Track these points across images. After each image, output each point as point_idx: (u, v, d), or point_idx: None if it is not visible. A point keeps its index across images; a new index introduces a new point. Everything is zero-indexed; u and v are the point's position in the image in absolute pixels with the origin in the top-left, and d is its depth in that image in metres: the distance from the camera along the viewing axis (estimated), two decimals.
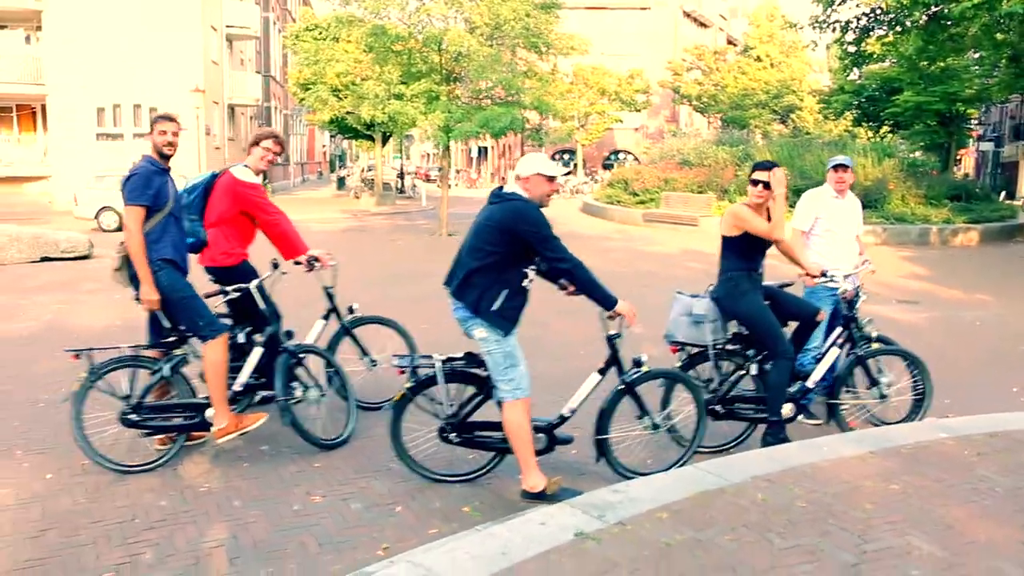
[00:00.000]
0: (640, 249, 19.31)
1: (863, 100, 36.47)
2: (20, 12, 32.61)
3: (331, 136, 69.28)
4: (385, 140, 39.21)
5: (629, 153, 54.59)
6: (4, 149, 34.17)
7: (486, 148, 69.18)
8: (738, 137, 32.16)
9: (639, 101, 47.64)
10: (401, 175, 48.18)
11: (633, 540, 4.00)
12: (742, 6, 66.14)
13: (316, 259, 6.24)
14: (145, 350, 5.60)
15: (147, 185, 5.39)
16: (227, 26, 37.38)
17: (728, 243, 5.89)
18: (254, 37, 41.25)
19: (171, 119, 5.62)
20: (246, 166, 6.20)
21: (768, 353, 5.80)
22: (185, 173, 26.67)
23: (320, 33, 33.49)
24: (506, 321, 4.80)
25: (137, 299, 5.53)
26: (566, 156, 57.81)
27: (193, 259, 5.90)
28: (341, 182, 47.16)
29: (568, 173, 47.09)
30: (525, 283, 4.85)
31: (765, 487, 4.72)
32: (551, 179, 4.82)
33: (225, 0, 37.37)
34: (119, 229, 23.38)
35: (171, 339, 5.61)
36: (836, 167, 6.81)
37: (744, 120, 47.33)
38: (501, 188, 4.97)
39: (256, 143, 6.22)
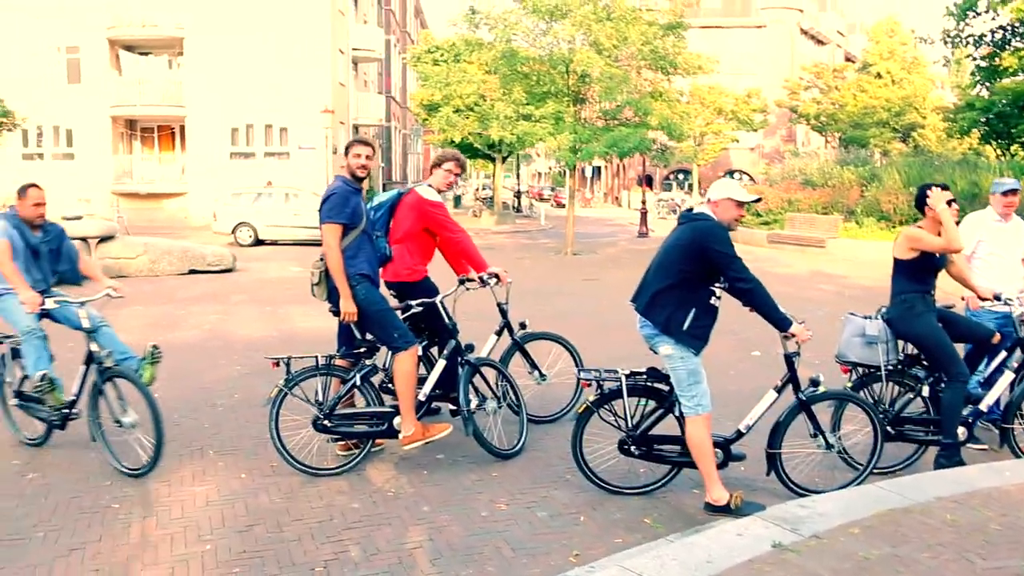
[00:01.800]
0: (768, 271, 19.12)
1: (992, 117, 35.20)
2: (164, 39, 34.56)
3: None
4: (504, 160, 39.79)
5: (745, 173, 53.91)
6: (146, 168, 36.16)
7: (600, 168, 69.31)
8: (864, 157, 31.49)
9: (756, 120, 47.10)
10: (518, 194, 48.79)
11: (831, 553, 4.13)
12: (861, 22, 64.71)
13: (496, 276, 6.53)
14: (337, 360, 5.94)
15: (345, 204, 5.75)
16: (353, 49, 38.68)
17: (901, 265, 5.94)
18: (378, 59, 42.50)
19: (366, 143, 5.99)
20: (430, 185, 6.55)
21: (943, 375, 5.83)
22: (316, 190, 27.69)
23: (441, 55, 34.42)
24: (696, 340, 4.98)
25: (333, 312, 5.89)
26: (681, 176, 57.48)
27: None
28: (457, 200, 48.04)
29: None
30: (713, 301, 5.03)
31: (953, 508, 4.76)
32: (740, 204, 5.01)
33: (352, 24, 38.72)
34: (255, 244, 24.46)
35: (361, 350, 5.95)
36: (1006, 192, 6.74)
37: (864, 139, 46.21)
38: (691, 209, 5.17)
39: (438, 165, 6.58)
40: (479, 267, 6.50)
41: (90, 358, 6.03)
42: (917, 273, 5.89)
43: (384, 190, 40.49)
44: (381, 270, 6.35)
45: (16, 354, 6.48)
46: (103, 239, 17.23)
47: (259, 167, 33.80)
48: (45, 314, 6.18)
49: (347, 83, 38.19)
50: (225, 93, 33.78)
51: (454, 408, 6.29)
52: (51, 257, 6.52)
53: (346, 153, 5.91)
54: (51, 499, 5.44)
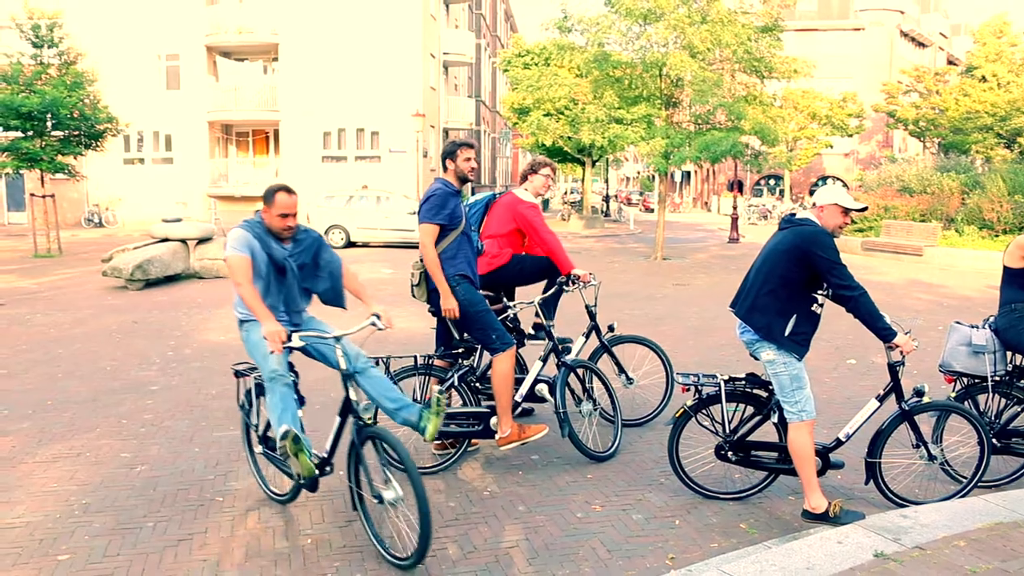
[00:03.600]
0: (863, 278, 18.56)
1: None
2: (260, 45, 35.50)
3: None
4: (593, 164, 39.76)
5: (838, 179, 52.78)
6: (242, 170, 37.10)
7: (689, 173, 68.70)
8: (965, 164, 30.54)
9: (851, 126, 46.10)
10: (607, 199, 48.67)
11: (936, 565, 4.06)
12: (966, 23, 62.76)
13: (578, 278, 6.58)
14: (436, 360, 6.02)
15: (443, 206, 5.85)
16: (444, 53, 39.12)
17: (1012, 274, 5.79)
18: (468, 63, 42.89)
19: (472, 146, 6.09)
20: (526, 189, 6.65)
21: None
22: (406, 193, 28.04)
23: (532, 59, 34.58)
24: (798, 346, 4.94)
25: (432, 312, 6.01)
26: (772, 182, 56.56)
27: None
28: (545, 204, 48.16)
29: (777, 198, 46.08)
30: (815, 308, 4.98)
31: None
32: (846, 211, 4.95)
33: (443, 29, 39.18)
34: (347, 245, 24.93)
35: (459, 350, 6.05)
36: None
37: (965, 144, 44.78)
38: (794, 215, 5.13)
39: (534, 171, 6.67)
40: (565, 268, 6.55)
41: (347, 408, 4.87)
42: None
43: (472, 194, 40.93)
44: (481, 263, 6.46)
45: (262, 390, 5.25)
46: (201, 241, 17.83)
47: (350, 170, 34.51)
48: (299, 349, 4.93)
49: (437, 87, 38.64)
50: (318, 97, 34.57)
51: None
52: (304, 274, 5.18)
53: (453, 157, 5.94)
54: (159, 491, 5.66)
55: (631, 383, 6.97)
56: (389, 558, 4.57)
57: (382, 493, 4.55)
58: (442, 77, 39.96)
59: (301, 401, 5.09)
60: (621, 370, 6.97)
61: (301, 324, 5.18)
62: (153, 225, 18.03)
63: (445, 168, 5.99)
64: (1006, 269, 5.84)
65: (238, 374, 5.53)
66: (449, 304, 5.77)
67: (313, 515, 5.27)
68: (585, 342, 6.88)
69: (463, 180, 5.98)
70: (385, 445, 4.66)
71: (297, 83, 34.76)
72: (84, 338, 10.90)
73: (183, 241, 17.34)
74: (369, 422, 4.66)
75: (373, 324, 4.97)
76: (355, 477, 4.77)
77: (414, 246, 6.08)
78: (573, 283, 6.57)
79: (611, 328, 6.98)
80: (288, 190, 5.06)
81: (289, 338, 4.67)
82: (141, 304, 13.88)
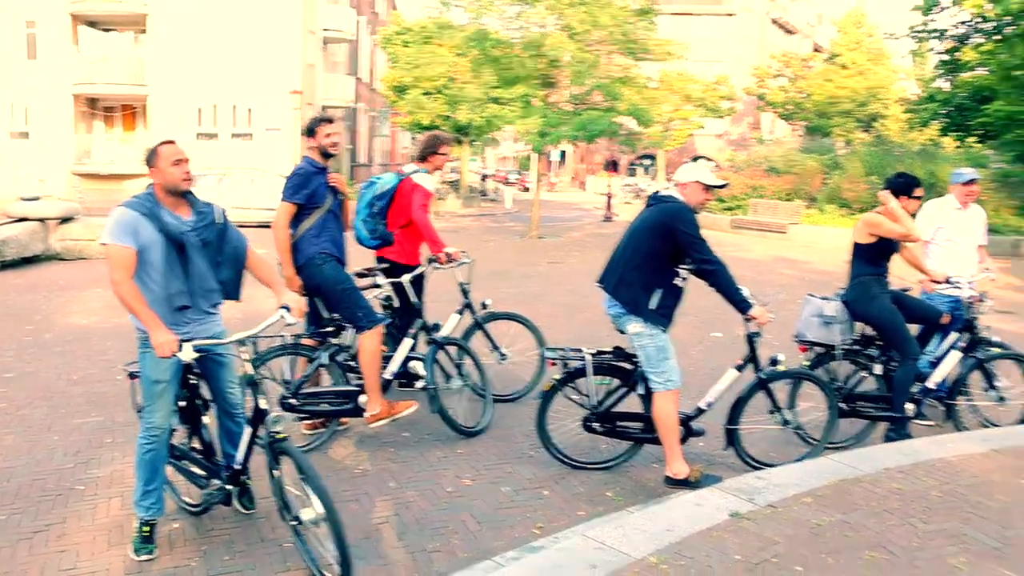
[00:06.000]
0: (731, 255, 19.36)
1: (952, 109, 35.70)
2: (128, 16, 34.11)
3: (412, 138, 70.30)
4: (471, 143, 39.79)
5: (711, 160, 54.26)
6: (108, 147, 35.66)
7: (565, 152, 69.42)
8: (828, 146, 31.92)
9: (723, 108, 47.45)
10: (484, 178, 48.81)
11: (786, 520, 4.31)
12: (829, 12, 65.34)
13: (449, 255, 6.62)
14: (304, 339, 5.97)
15: (303, 185, 5.81)
16: (324, 29, 38.40)
17: (860, 249, 6.16)
18: (349, 40, 42.23)
19: (332, 121, 6.04)
20: (428, 172, 6.69)
21: (896, 354, 6.04)
22: (282, 172, 27.50)
23: (412, 36, 34.29)
24: (663, 318, 5.11)
25: (304, 292, 5.92)
26: (647, 162, 57.71)
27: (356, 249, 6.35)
28: None
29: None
30: (678, 282, 5.15)
31: (900, 478, 4.99)
32: (708, 188, 5.13)
33: (323, 4, 38.40)
34: None
35: (328, 329, 5.99)
36: (967, 182, 7.00)
37: (828, 128, 46.74)
38: (659, 192, 5.29)
39: (436, 151, 6.71)
40: (436, 248, 6.58)
41: (258, 417, 4.25)
42: (874, 257, 6.12)
43: (352, 173, 40.32)
44: (379, 250, 6.54)
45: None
46: (63, 220, 16.98)
47: (224, 148, 33.55)
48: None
49: (316, 64, 37.93)
50: (190, 72, 33.42)
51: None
52: (208, 254, 4.40)
53: (313, 134, 5.90)
54: (13, 482, 5.38)
55: (504, 359, 7.05)
56: None
57: (299, 515, 4.03)
58: (321, 54, 39.23)
59: (206, 406, 4.60)
60: (495, 347, 7.03)
61: (216, 309, 4.49)
62: (9, 204, 17.10)
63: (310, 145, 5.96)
64: (856, 245, 6.20)
65: (133, 375, 4.67)
66: (288, 273, 5.80)
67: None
68: (459, 319, 6.93)
69: (326, 156, 5.93)
70: (295, 461, 4.05)
71: (168, 56, 33.48)
72: None
73: (42, 220, 16.52)
74: (281, 436, 4.11)
75: (283, 317, 4.35)
76: (279, 494, 4.22)
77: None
78: (449, 261, 6.60)
79: (484, 305, 7.04)
80: (171, 141, 4.42)
81: (181, 348, 4.00)
82: None
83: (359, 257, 6.51)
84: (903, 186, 6.21)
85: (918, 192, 6.20)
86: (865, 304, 6.06)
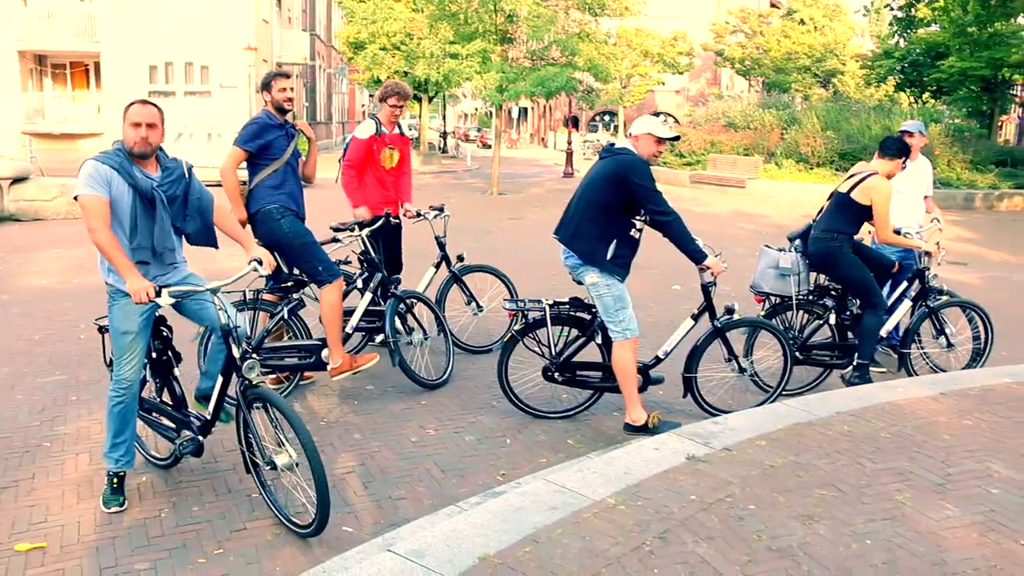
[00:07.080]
0: (690, 210, 19.52)
1: (907, 65, 36.14)
2: None
3: (370, 95, 69.58)
4: (430, 100, 39.49)
5: (670, 115, 54.36)
6: (59, 106, 34.87)
7: (526, 109, 69.18)
8: (785, 101, 32.14)
9: (682, 64, 47.45)
10: (444, 135, 48.51)
11: (740, 462, 4.45)
12: None
13: (407, 212, 6.90)
14: (264, 294, 5.94)
15: (256, 135, 5.85)
16: None
17: (850, 207, 6.21)
18: None
19: (287, 75, 6.03)
20: (374, 119, 6.79)
21: (863, 303, 6.23)
22: (238, 130, 27.09)
23: None
24: (620, 268, 5.20)
25: (261, 243, 5.92)
26: (607, 118, 57.68)
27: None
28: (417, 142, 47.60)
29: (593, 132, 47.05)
30: (633, 233, 5.23)
31: (851, 420, 5.18)
32: (660, 140, 5.19)
33: None
34: None
35: (288, 284, 6.01)
36: (907, 133, 7.14)
37: (786, 84, 47.00)
38: (612, 144, 5.36)
39: (383, 100, 6.76)
40: (353, 204, 6.77)
41: (230, 366, 4.34)
42: (857, 219, 6.24)
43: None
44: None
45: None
46: (16, 181, 16.64)
47: (180, 106, 32.92)
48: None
49: (271, 19, 37.30)
50: (142, 29, 32.63)
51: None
52: (173, 210, 4.40)
53: (268, 88, 5.92)
54: None
55: (481, 311, 7.19)
56: (291, 526, 4.12)
57: (274, 459, 4.06)
58: (275, 9, 38.56)
59: (177, 359, 4.68)
60: (471, 298, 7.16)
61: (175, 265, 4.50)
62: None
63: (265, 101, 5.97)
64: (846, 200, 6.23)
65: (102, 329, 4.73)
66: (240, 215, 5.86)
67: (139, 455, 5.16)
68: (435, 272, 7.02)
69: (281, 111, 5.95)
70: (273, 408, 4.11)
71: (119, 12, 32.59)
72: None
73: None
74: (256, 383, 4.15)
75: (255, 270, 4.40)
76: (245, 441, 4.26)
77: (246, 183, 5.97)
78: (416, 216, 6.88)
79: (460, 258, 7.12)
80: (143, 101, 4.38)
81: (158, 294, 3.99)
82: None
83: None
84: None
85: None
86: (835, 259, 6.17)
